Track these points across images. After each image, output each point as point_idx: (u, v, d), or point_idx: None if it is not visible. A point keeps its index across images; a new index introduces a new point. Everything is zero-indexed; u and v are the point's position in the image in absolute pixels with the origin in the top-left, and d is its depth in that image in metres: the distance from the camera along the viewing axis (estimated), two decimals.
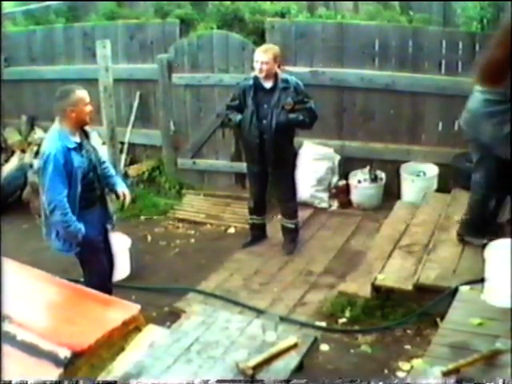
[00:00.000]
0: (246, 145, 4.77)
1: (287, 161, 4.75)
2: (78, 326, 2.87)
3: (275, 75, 4.56)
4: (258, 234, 5.14)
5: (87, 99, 3.57)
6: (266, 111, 4.56)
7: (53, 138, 3.50)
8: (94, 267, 3.71)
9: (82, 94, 3.56)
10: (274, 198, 5.07)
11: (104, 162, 3.85)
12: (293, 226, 4.98)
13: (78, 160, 3.51)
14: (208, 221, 5.76)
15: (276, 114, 4.54)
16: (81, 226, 3.52)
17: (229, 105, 4.81)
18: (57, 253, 3.76)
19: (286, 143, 4.69)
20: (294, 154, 4.85)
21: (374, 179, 5.76)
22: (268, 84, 4.58)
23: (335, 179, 5.89)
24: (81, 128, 3.62)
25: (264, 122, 4.56)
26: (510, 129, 4.91)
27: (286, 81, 4.59)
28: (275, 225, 5.26)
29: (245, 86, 4.64)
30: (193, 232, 5.62)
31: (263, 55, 4.50)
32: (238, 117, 4.66)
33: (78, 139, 3.58)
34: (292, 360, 2.69)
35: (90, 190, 3.61)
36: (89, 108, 3.57)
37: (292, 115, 4.55)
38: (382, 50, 5.62)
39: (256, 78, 4.60)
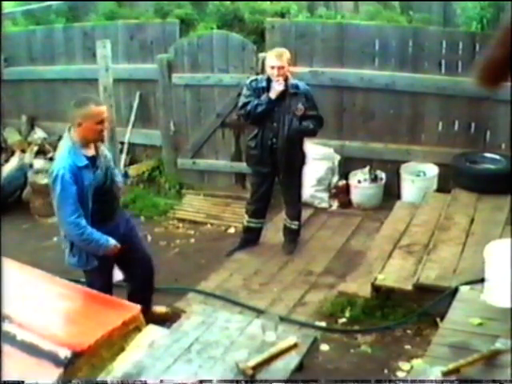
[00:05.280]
0: (257, 146, 4.66)
1: (297, 164, 4.74)
2: (78, 326, 2.87)
3: (286, 79, 4.54)
4: (250, 238, 5.06)
5: (101, 117, 3.28)
6: (277, 115, 4.54)
7: (63, 155, 3.28)
8: (92, 285, 3.51)
9: (96, 109, 3.28)
10: (273, 199, 5.06)
11: (114, 168, 3.64)
12: (295, 227, 4.98)
13: (88, 177, 3.29)
14: (208, 221, 5.75)
15: (288, 120, 4.53)
16: (102, 241, 3.35)
17: (245, 102, 4.59)
18: (73, 269, 3.61)
19: (297, 147, 4.68)
20: (303, 157, 4.82)
21: (374, 179, 5.76)
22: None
23: (335, 179, 5.89)
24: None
25: (274, 124, 4.55)
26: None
27: (296, 86, 4.57)
28: (274, 225, 5.27)
29: (257, 88, 4.58)
30: (193, 232, 5.62)
31: (278, 61, 4.44)
32: (262, 100, 4.50)
33: (90, 152, 3.36)
34: (292, 360, 2.69)
35: (104, 203, 3.43)
36: (100, 127, 3.31)
37: (304, 123, 4.55)
38: (382, 50, 5.62)
39: (268, 81, 4.56)
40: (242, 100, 4.64)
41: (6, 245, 4.06)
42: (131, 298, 3.63)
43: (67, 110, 3.43)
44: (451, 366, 2.63)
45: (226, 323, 3.00)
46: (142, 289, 3.81)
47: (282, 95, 4.52)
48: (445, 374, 2.61)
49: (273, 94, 4.49)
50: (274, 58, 4.49)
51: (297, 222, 4.97)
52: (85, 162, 3.29)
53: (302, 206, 5.06)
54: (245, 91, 4.66)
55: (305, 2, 7.62)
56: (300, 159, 4.77)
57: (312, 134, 4.75)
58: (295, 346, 2.75)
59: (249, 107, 4.55)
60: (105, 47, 5.64)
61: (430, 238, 4.51)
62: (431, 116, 5.66)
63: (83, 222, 3.29)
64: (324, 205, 5.85)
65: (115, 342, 2.77)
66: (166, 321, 3.56)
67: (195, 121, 6.27)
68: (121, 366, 2.68)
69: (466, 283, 3.66)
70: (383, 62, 5.64)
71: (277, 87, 4.48)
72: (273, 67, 4.48)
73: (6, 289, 2.70)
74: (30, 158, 6.67)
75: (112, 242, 3.40)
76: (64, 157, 3.27)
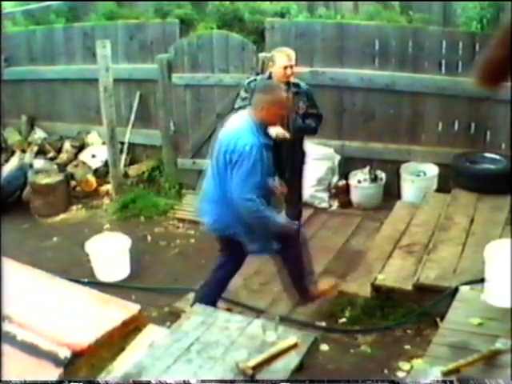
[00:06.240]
0: None
1: (298, 163, 4.74)
2: (78, 326, 2.87)
3: (288, 79, 4.52)
4: None
5: (285, 104, 3.48)
6: None
7: (249, 131, 3.33)
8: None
9: (283, 96, 3.46)
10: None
11: None
12: (295, 227, 4.96)
13: (268, 157, 3.34)
14: None
15: (291, 119, 4.52)
16: (277, 219, 3.43)
17: (241, 106, 4.43)
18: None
19: (300, 146, 4.68)
20: (303, 156, 4.82)
21: (374, 179, 5.76)
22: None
23: (335, 179, 5.89)
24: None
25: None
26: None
27: (297, 85, 4.55)
28: None
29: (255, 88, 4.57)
30: (193, 232, 5.61)
31: (290, 60, 4.41)
32: None
33: (266, 137, 3.44)
34: (292, 360, 2.68)
35: (267, 193, 3.47)
36: (282, 113, 3.50)
37: (307, 121, 4.55)
38: (382, 50, 5.62)
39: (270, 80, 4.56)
40: (238, 103, 4.57)
41: (5, 245, 4.06)
42: (296, 283, 3.79)
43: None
44: (451, 365, 2.63)
45: (226, 323, 3.00)
46: (300, 270, 3.83)
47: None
48: (445, 373, 2.60)
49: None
50: (286, 57, 4.43)
51: (297, 222, 4.96)
52: (269, 141, 3.36)
53: (302, 205, 5.06)
54: (242, 93, 4.61)
55: (305, 2, 7.62)
56: (300, 158, 4.77)
57: (313, 132, 4.75)
58: (295, 345, 2.75)
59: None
60: (105, 47, 5.64)
61: (429, 238, 4.51)
62: (431, 116, 5.66)
63: (260, 198, 3.32)
64: (324, 205, 5.85)
65: (115, 342, 2.76)
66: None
67: (195, 121, 6.27)
68: (121, 365, 2.68)
69: (466, 283, 3.66)
70: (383, 62, 5.64)
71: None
72: (286, 67, 4.40)
73: (5, 289, 2.70)
74: (30, 157, 6.67)
75: (285, 220, 3.49)
76: (251, 133, 3.31)
